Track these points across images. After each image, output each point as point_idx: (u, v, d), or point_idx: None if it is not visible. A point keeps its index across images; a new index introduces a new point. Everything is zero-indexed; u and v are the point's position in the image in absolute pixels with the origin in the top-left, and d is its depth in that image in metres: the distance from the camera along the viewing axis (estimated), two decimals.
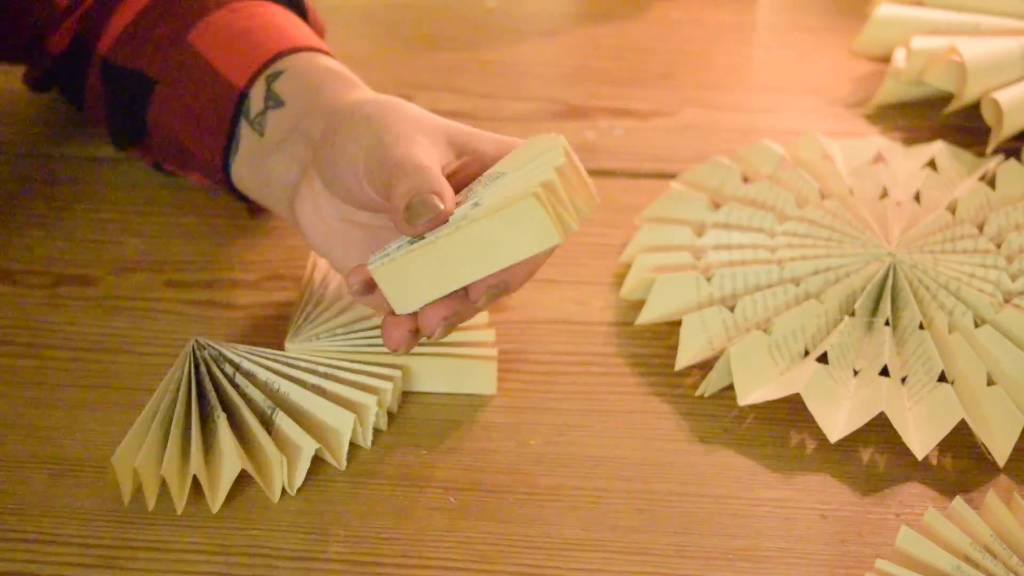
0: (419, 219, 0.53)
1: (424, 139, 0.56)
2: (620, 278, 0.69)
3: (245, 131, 0.65)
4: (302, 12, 0.72)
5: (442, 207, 0.53)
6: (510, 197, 0.51)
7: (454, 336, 0.62)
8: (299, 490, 0.56)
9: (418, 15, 0.96)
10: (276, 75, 0.64)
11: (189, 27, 0.67)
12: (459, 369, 0.61)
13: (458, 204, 0.54)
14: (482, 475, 0.58)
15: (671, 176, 0.76)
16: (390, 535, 0.55)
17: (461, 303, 0.55)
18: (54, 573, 0.53)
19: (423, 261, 0.53)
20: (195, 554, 0.54)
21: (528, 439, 0.60)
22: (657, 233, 0.70)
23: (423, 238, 0.53)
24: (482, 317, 0.65)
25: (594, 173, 0.77)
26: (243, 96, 0.65)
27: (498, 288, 0.54)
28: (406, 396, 0.62)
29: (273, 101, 0.64)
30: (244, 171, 0.65)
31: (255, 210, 0.71)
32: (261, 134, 0.64)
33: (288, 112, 0.63)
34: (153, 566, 0.53)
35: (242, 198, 0.68)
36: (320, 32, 0.74)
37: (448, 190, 0.54)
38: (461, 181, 0.57)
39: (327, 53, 0.67)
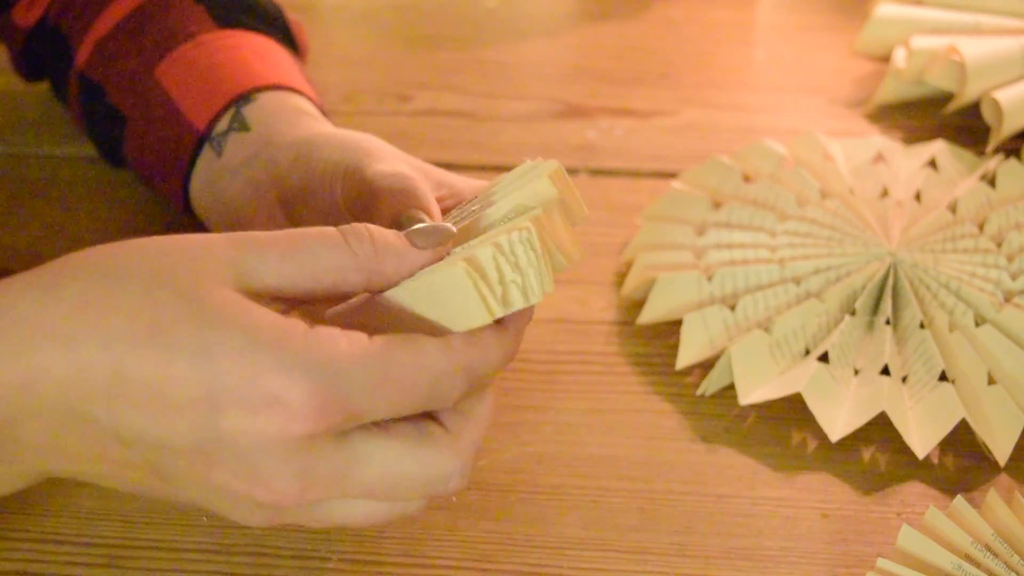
0: (422, 240, 0.47)
1: (403, 165, 0.55)
2: (621, 277, 0.69)
3: (204, 150, 0.64)
4: (284, 29, 0.70)
5: (430, 223, 0.48)
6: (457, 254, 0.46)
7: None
8: None
9: (418, 15, 0.96)
10: (247, 101, 0.63)
11: (157, 61, 0.66)
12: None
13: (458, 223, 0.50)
14: (483, 474, 0.58)
15: (672, 175, 0.76)
16: (391, 534, 0.55)
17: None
18: (57, 572, 0.53)
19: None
20: (197, 553, 0.54)
21: (529, 438, 0.60)
22: (658, 232, 0.70)
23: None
24: None
25: (595, 173, 0.78)
26: (202, 140, 0.63)
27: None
28: None
29: (238, 123, 0.63)
30: (197, 187, 0.64)
31: None
32: (219, 154, 0.63)
33: (252, 138, 0.62)
34: (155, 565, 0.53)
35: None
36: (303, 50, 0.73)
37: (434, 204, 0.51)
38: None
39: (295, 89, 0.65)
